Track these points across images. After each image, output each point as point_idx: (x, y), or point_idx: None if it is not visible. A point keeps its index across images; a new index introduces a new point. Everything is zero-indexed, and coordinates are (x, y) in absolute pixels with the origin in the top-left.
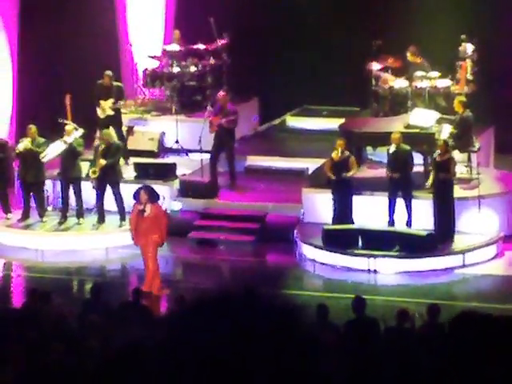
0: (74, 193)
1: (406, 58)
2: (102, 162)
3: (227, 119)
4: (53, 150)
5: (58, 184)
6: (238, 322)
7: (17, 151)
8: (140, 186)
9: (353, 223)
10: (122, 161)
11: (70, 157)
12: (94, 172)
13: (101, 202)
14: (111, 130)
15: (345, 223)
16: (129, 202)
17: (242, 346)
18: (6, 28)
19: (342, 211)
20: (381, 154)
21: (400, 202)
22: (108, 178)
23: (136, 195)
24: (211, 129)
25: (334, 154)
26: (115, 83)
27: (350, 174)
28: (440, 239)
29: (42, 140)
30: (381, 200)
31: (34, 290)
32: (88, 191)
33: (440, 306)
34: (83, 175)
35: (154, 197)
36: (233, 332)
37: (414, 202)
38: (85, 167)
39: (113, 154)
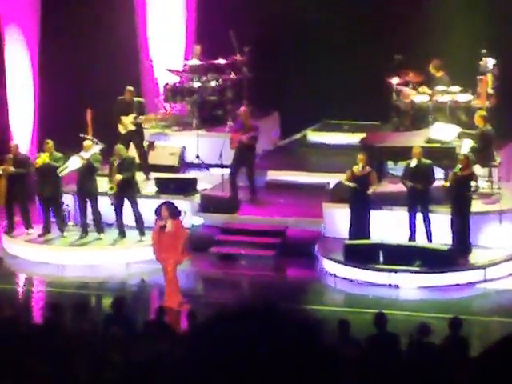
0: (91, 208)
1: (427, 72)
2: (118, 177)
3: (248, 135)
4: (70, 165)
5: None
6: (258, 338)
7: (35, 165)
8: (161, 201)
9: (369, 237)
10: (142, 176)
11: (87, 172)
12: (111, 188)
13: (120, 217)
14: (130, 146)
15: (361, 238)
16: (148, 216)
17: (263, 362)
18: (27, 44)
19: (359, 225)
20: (401, 168)
21: (420, 217)
22: (125, 192)
23: (157, 211)
24: (232, 145)
25: (355, 168)
26: (136, 98)
27: (371, 190)
28: (458, 254)
29: (58, 155)
30: (401, 215)
31: (55, 304)
32: (106, 206)
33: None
34: (100, 191)
35: (175, 213)
36: (253, 347)
37: (434, 216)
38: (102, 183)
39: (127, 168)
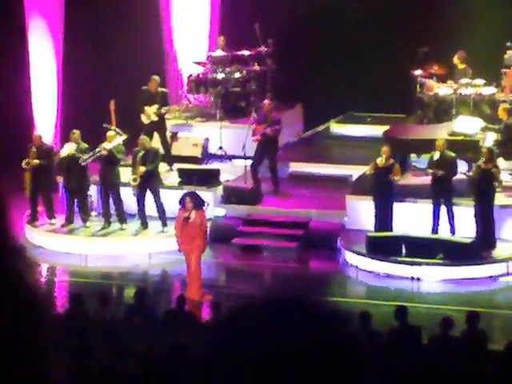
0: (113, 199)
1: (452, 64)
2: (142, 168)
3: (272, 128)
4: (91, 155)
5: None
6: (285, 329)
7: (60, 157)
8: (185, 191)
9: (391, 230)
10: (165, 167)
11: (109, 163)
12: (134, 180)
13: (142, 208)
14: (154, 136)
15: (385, 230)
16: (170, 207)
17: (290, 354)
18: (51, 34)
19: (384, 217)
20: (425, 161)
21: (443, 209)
22: (148, 184)
23: (182, 201)
24: (255, 137)
25: (378, 160)
26: (160, 89)
27: (394, 177)
28: (481, 247)
29: (85, 145)
30: (424, 207)
31: (78, 294)
32: (129, 197)
33: (483, 314)
34: (122, 181)
35: (198, 203)
36: (280, 339)
37: (457, 209)
38: (125, 173)
39: (151, 160)
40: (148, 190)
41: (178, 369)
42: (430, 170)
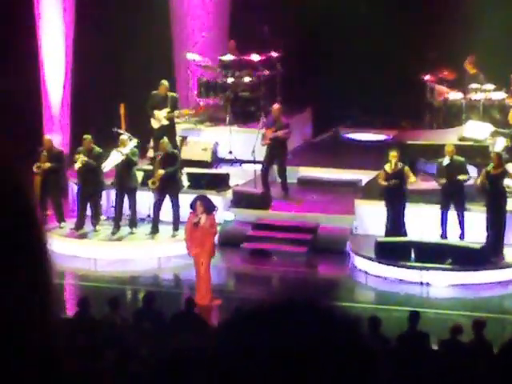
0: (129, 202)
1: (462, 68)
2: (161, 172)
3: (283, 131)
4: (111, 161)
5: (112, 193)
6: (294, 334)
7: (76, 168)
8: (197, 195)
9: (406, 235)
10: None
11: (126, 167)
12: (153, 183)
13: (157, 211)
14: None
15: (398, 235)
16: (182, 212)
17: (299, 358)
18: (62, 40)
19: (395, 222)
20: (434, 166)
21: (452, 215)
22: (168, 187)
23: (193, 205)
24: (264, 141)
25: (387, 167)
26: (170, 93)
27: (410, 182)
28: (490, 252)
29: (98, 150)
30: (433, 212)
31: (85, 298)
32: (141, 201)
33: (492, 319)
34: (138, 185)
35: (209, 208)
36: (288, 343)
37: (467, 214)
38: (139, 177)
39: (171, 163)
40: (167, 194)
41: (185, 371)
42: (442, 181)
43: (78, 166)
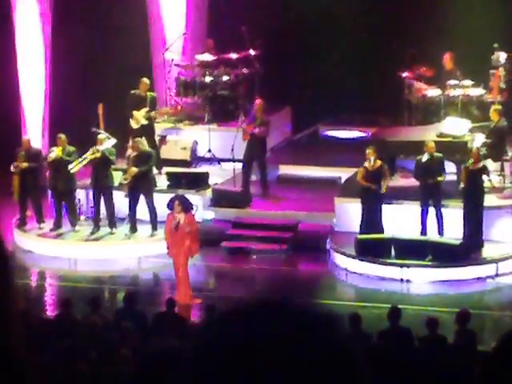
0: (105, 202)
1: (440, 65)
2: (134, 169)
3: (261, 129)
4: (85, 158)
5: (91, 193)
6: (273, 333)
7: (48, 160)
8: (174, 195)
9: (382, 232)
10: (154, 170)
11: (102, 166)
12: (125, 179)
13: (133, 211)
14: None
15: (373, 232)
16: (160, 211)
17: (277, 357)
18: (39, 38)
19: (372, 220)
20: (413, 162)
21: (432, 211)
22: (141, 186)
23: (170, 205)
24: (244, 136)
25: (367, 164)
26: (149, 93)
27: (385, 184)
28: (469, 248)
29: (72, 149)
30: (413, 209)
31: (67, 299)
32: (120, 200)
33: (472, 315)
34: (115, 184)
35: (187, 207)
36: (266, 342)
37: (446, 210)
38: (117, 177)
39: (144, 162)
40: (141, 194)
41: (167, 371)
42: (421, 179)
43: (51, 157)
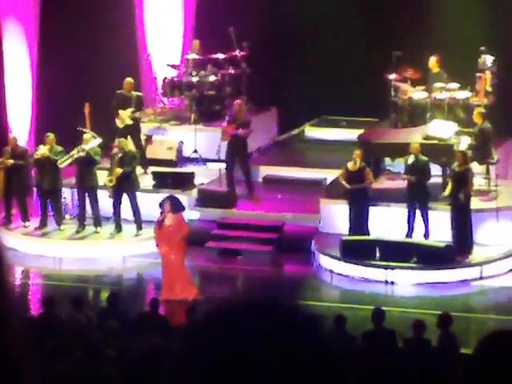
0: (90, 201)
1: (426, 68)
2: (118, 170)
3: (243, 130)
4: (69, 157)
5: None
6: (258, 333)
7: (35, 157)
8: (167, 195)
9: (369, 234)
10: (140, 170)
11: (87, 165)
12: (110, 181)
13: (117, 210)
14: (128, 140)
15: (361, 234)
16: (146, 211)
17: (262, 357)
18: (25, 36)
19: (358, 222)
20: (399, 165)
21: (418, 213)
22: (124, 186)
23: (161, 204)
24: (224, 137)
25: (349, 165)
26: (135, 92)
27: (364, 183)
28: (458, 251)
29: (59, 148)
30: (398, 211)
31: (51, 297)
32: (105, 200)
33: (457, 317)
34: (99, 184)
35: (176, 207)
36: (252, 342)
37: (431, 213)
38: (101, 176)
39: (129, 162)
40: (125, 193)
41: (151, 372)
42: (405, 176)
43: (38, 154)
